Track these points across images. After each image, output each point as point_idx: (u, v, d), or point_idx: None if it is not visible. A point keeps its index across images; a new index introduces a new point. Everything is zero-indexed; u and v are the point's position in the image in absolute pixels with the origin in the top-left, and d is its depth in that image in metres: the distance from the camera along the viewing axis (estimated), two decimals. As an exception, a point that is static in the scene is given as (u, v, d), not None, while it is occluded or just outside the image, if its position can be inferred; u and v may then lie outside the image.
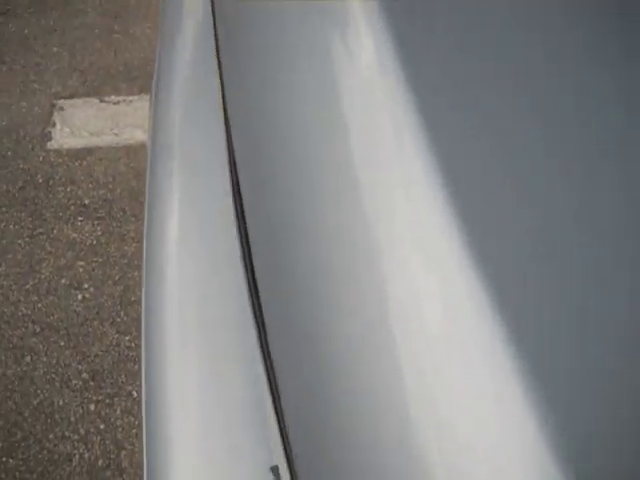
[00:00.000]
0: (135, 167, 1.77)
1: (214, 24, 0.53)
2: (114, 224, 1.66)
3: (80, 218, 1.67)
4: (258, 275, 0.42)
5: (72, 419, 1.39)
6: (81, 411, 1.40)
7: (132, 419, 1.39)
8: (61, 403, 1.39)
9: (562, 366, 0.27)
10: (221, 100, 0.50)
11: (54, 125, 1.84)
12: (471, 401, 0.29)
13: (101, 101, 1.89)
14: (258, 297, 0.42)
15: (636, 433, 0.26)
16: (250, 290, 0.43)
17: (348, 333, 0.35)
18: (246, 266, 0.43)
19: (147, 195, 0.88)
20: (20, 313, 1.52)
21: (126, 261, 1.60)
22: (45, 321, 1.51)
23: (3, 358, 1.45)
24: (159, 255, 0.79)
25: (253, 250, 0.43)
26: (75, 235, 1.64)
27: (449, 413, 0.30)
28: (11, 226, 1.66)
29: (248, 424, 0.61)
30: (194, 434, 0.65)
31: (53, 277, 1.57)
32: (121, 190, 1.73)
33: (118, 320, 1.52)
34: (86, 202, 1.70)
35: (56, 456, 1.34)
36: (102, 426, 1.38)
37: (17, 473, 1.31)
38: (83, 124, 1.82)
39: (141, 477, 0.63)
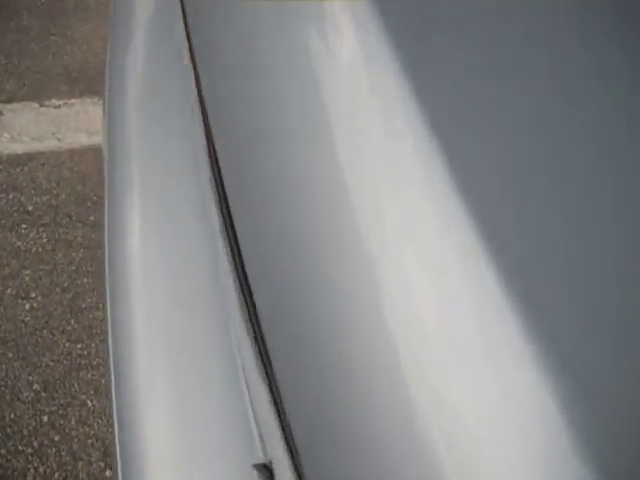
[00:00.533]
0: (80, 171, 1.73)
1: (185, 23, 0.53)
2: (60, 230, 1.62)
3: (24, 225, 1.62)
4: (251, 272, 0.42)
5: (25, 432, 1.34)
6: (34, 423, 1.35)
7: (87, 429, 1.36)
8: (13, 416, 1.35)
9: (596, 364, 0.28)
10: (196, 93, 0.50)
11: (-8, 131, 1.78)
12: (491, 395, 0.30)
13: (41, 105, 1.84)
14: (252, 297, 0.42)
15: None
16: (242, 289, 0.43)
17: (349, 325, 0.36)
18: (235, 261, 0.43)
19: (107, 200, 0.86)
20: (-36, 326, 1.46)
21: (74, 268, 1.56)
22: (-9, 333, 1.46)
23: (-52, 373, 1.39)
24: (122, 260, 0.77)
25: (244, 248, 0.43)
26: (19, 243, 1.59)
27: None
28: (-50, 236, 1.60)
29: (230, 423, 0.61)
30: (169, 434, 0.64)
31: (-2, 287, 1.52)
32: (66, 195, 1.68)
33: (69, 328, 1.48)
34: (30, 209, 1.65)
35: (10, 472, 1.29)
36: (57, 438, 1.34)
37: (-32, 491, 1.27)
38: (23, 129, 1.76)
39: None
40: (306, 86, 0.39)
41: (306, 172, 0.38)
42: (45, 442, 1.34)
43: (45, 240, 1.60)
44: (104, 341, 0.77)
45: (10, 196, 1.66)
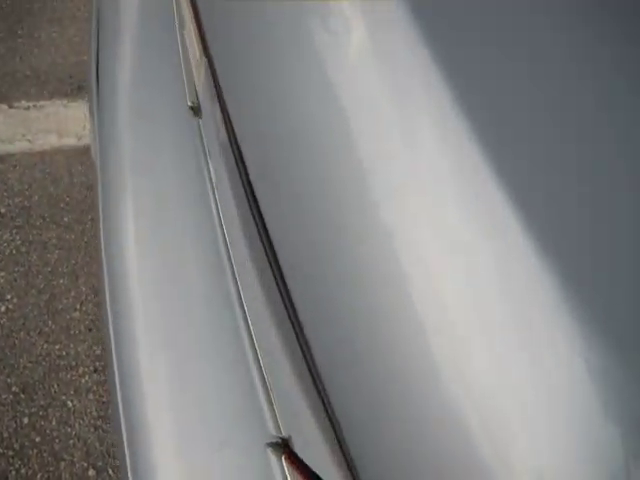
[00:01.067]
0: (52, 173, 1.72)
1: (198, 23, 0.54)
2: (34, 232, 1.61)
3: (-3, 227, 1.60)
4: (284, 259, 0.44)
5: (5, 434, 1.33)
6: (14, 425, 1.35)
7: (69, 429, 1.35)
8: (-8, 418, 1.34)
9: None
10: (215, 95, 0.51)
11: (-41, 133, 1.76)
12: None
13: (10, 107, 1.82)
14: (287, 291, 0.44)
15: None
16: (275, 277, 0.45)
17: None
18: (263, 244, 0.45)
19: (100, 201, 0.86)
20: (-62, 329, 1.44)
21: (50, 269, 1.56)
22: (-33, 336, 1.44)
23: None
24: (120, 266, 0.77)
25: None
26: (-7, 245, 1.58)
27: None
28: None
29: (237, 406, 0.63)
30: (175, 422, 0.66)
31: (-28, 290, 1.51)
32: (39, 197, 1.67)
33: (46, 330, 1.48)
34: (2, 211, 1.63)
35: (-10, 474, 1.28)
36: (38, 439, 1.34)
37: (-51, 495, 1.25)
38: (-7, 131, 1.75)
39: None
40: (335, 85, 0.42)
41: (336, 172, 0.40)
42: (26, 443, 1.33)
43: (19, 242, 1.59)
44: (105, 336, 0.78)
45: (-19, 198, 1.64)
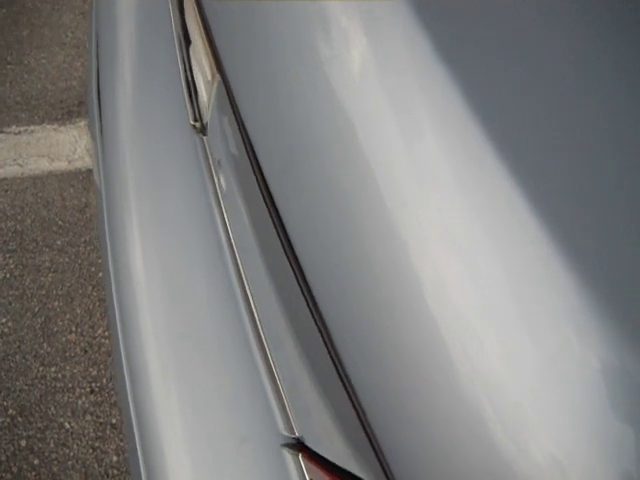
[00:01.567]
0: (44, 197, 1.73)
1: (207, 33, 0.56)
2: (27, 255, 1.62)
3: (-10, 252, 1.61)
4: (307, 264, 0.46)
5: (3, 458, 1.33)
6: (12, 448, 1.34)
7: (67, 451, 1.35)
8: (-10, 442, 1.33)
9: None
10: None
11: (-50, 159, 1.77)
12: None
13: (1, 132, 1.84)
14: (314, 301, 0.46)
15: None
16: (296, 277, 0.47)
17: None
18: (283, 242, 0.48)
19: (106, 223, 0.87)
20: None
21: (44, 292, 1.56)
22: (-38, 360, 1.44)
23: None
24: (129, 286, 0.78)
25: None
26: (-14, 269, 1.58)
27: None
28: None
29: (251, 408, 0.65)
30: (190, 425, 0.67)
31: (-34, 314, 1.51)
32: (31, 221, 1.68)
33: (41, 352, 1.48)
34: (-5, 235, 1.64)
35: (-11, 497, 1.28)
36: (36, 461, 1.34)
37: (-53, 520, 1.24)
38: (-15, 156, 1.76)
39: None
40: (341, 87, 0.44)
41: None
42: (24, 466, 1.33)
43: (13, 266, 1.60)
44: (114, 341, 0.79)
45: (-26, 223, 1.65)
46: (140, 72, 0.97)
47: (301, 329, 0.51)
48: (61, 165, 1.81)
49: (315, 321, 0.46)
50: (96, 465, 1.34)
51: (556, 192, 0.35)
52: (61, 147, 1.84)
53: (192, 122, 0.81)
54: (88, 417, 1.40)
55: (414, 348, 0.39)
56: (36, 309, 1.54)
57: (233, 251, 0.70)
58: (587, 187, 0.35)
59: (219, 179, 0.66)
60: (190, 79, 0.81)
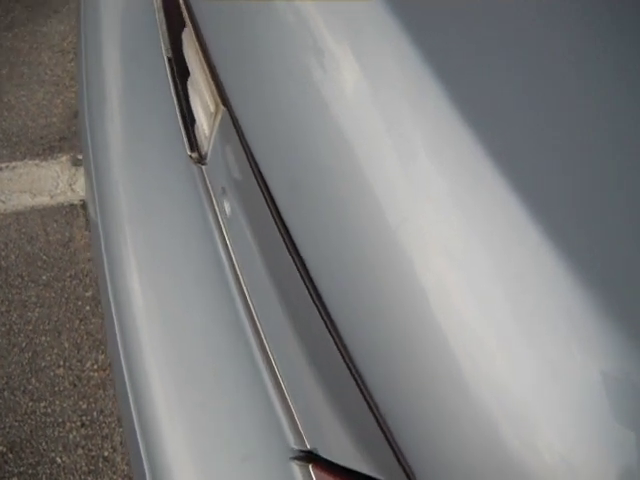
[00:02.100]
0: (27, 232, 1.73)
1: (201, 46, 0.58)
2: (13, 291, 1.62)
3: (-25, 288, 1.60)
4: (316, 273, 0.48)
5: (-6, 495, 1.32)
6: (3, 485, 1.33)
7: (59, 486, 1.35)
8: (-19, 480, 1.32)
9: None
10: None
11: None
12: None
13: (-18, 169, 1.85)
14: (325, 307, 0.48)
15: None
16: (308, 291, 0.49)
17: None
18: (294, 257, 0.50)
19: (105, 258, 0.88)
20: None
21: (31, 327, 1.56)
22: (-51, 398, 1.43)
23: None
24: (130, 318, 0.78)
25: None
26: (-28, 306, 1.57)
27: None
28: None
29: (258, 422, 0.66)
30: (196, 440, 0.68)
31: (-48, 352, 1.50)
32: (15, 256, 1.68)
33: (30, 387, 1.47)
34: (-20, 272, 1.64)
35: (-18, 536, 1.26)
36: (28, 498, 1.33)
37: None
38: (-33, 193, 1.76)
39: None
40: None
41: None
42: (16, 503, 1.32)
43: (-2, 302, 1.60)
44: (115, 365, 0.81)
45: (-42, 260, 1.65)
46: (131, 106, 0.99)
47: (313, 343, 0.54)
48: (43, 200, 1.81)
49: (330, 333, 0.49)
50: (89, 499, 1.34)
51: (554, 199, 0.38)
52: (43, 182, 1.85)
53: (189, 153, 0.83)
54: (80, 451, 1.39)
55: (424, 353, 0.41)
56: (23, 344, 1.54)
57: (236, 273, 0.73)
58: (586, 194, 0.38)
59: (222, 206, 0.69)
60: (186, 111, 0.84)
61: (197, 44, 0.65)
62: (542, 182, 0.39)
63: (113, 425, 1.42)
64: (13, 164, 1.87)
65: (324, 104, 0.47)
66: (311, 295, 0.50)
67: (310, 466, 0.58)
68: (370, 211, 0.44)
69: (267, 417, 0.65)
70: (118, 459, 1.38)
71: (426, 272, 0.41)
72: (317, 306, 0.49)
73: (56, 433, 1.42)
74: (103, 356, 1.52)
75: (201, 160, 0.81)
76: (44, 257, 1.69)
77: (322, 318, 0.49)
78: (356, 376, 0.47)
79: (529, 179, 0.39)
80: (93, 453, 1.39)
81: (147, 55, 1.01)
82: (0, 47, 2.16)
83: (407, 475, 0.43)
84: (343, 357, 0.47)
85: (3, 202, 1.79)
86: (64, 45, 2.18)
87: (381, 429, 0.45)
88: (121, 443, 1.40)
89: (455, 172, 0.41)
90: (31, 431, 1.41)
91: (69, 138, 1.94)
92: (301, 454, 0.62)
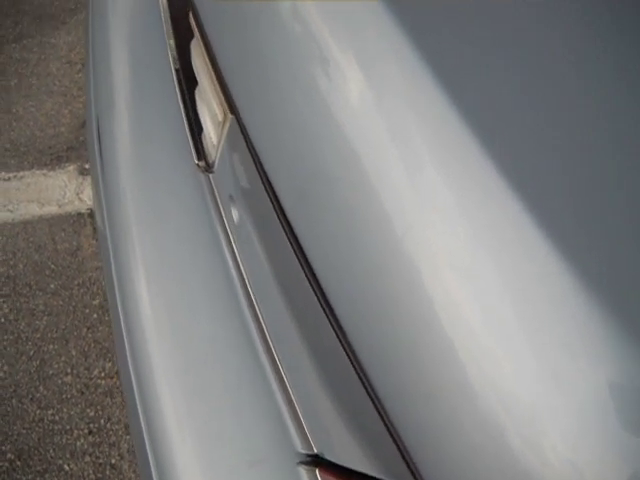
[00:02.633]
0: (34, 241, 1.75)
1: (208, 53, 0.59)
2: (21, 300, 1.63)
3: (-16, 297, 1.62)
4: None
5: (2, 502, 1.32)
6: (12, 493, 1.34)
7: (67, 493, 1.35)
8: (-10, 487, 1.33)
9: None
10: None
11: (-59, 207, 1.79)
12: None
13: (-10, 179, 1.86)
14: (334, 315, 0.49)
15: None
16: (317, 297, 0.50)
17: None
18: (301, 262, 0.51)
19: (114, 267, 0.88)
20: None
21: (39, 335, 1.57)
22: (-42, 406, 1.44)
23: None
24: (139, 328, 0.79)
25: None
26: (-20, 315, 1.59)
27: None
28: None
29: (266, 427, 0.67)
30: (203, 445, 0.69)
31: (-39, 360, 1.51)
32: (23, 265, 1.70)
33: (38, 395, 1.48)
34: (-12, 280, 1.65)
35: None
36: (36, 505, 1.33)
37: None
38: (-24, 202, 1.78)
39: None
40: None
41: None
42: (24, 511, 1.32)
43: (7, 310, 1.61)
44: (123, 371, 0.81)
45: (-33, 269, 1.66)
46: (138, 115, 1.00)
47: (321, 349, 0.55)
48: (51, 209, 1.83)
49: (338, 339, 0.49)
50: (97, 506, 1.34)
51: (559, 207, 0.39)
52: (51, 192, 1.87)
53: (197, 161, 0.84)
54: (87, 458, 1.40)
55: (431, 360, 0.42)
56: (31, 352, 1.55)
57: (243, 281, 0.73)
58: (592, 201, 0.39)
59: (229, 214, 0.70)
60: (193, 119, 0.85)
61: (205, 54, 0.66)
62: (548, 190, 0.39)
63: (120, 433, 1.43)
64: (21, 174, 1.89)
65: (330, 113, 0.48)
66: (319, 302, 0.50)
67: (317, 470, 0.59)
68: (377, 219, 0.45)
69: (275, 423, 0.66)
70: (125, 466, 1.39)
71: (433, 281, 0.42)
72: (325, 313, 0.50)
73: (64, 440, 1.42)
74: (110, 364, 1.53)
75: (208, 169, 0.82)
76: (52, 266, 1.71)
77: (330, 325, 0.49)
78: (365, 382, 0.47)
79: (535, 188, 0.40)
80: (100, 461, 1.40)
81: (155, 65, 1.02)
82: (9, 58, 2.19)
83: (414, 478, 0.44)
84: (352, 363, 0.48)
85: (11, 211, 1.80)
86: (72, 56, 2.20)
87: (389, 434, 0.46)
88: (128, 451, 1.41)
89: (460, 182, 0.42)
90: (39, 439, 1.42)
91: (77, 148, 1.95)
92: (308, 458, 0.62)
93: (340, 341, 0.49)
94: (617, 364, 0.36)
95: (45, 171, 1.91)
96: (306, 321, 0.55)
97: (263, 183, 0.55)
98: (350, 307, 0.48)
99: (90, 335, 1.58)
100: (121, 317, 0.84)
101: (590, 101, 0.42)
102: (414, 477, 0.44)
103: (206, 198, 0.84)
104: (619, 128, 0.41)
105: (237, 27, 0.58)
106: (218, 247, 0.79)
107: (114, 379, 1.51)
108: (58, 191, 1.87)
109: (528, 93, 0.43)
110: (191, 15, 0.73)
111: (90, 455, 1.40)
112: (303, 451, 0.63)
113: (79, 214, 1.82)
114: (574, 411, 0.37)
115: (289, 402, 0.65)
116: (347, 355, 0.49)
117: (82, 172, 1.91)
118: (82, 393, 1.49)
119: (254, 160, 0.56)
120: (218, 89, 0.62)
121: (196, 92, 0.76)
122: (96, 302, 1.63)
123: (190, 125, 0.87)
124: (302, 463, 0.62)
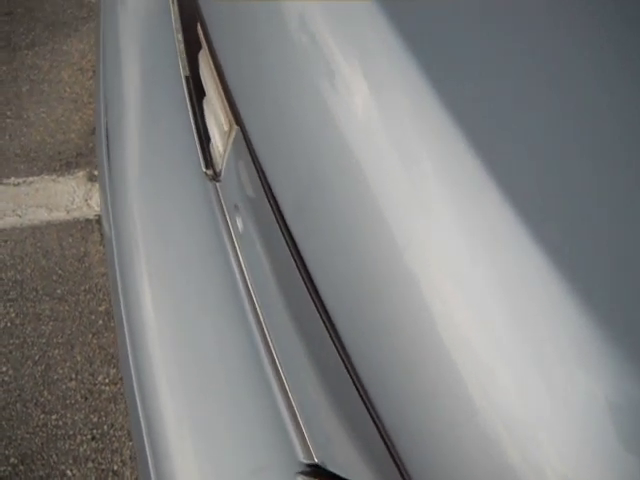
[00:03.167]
0: (42, 246, 1.76)
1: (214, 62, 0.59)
2: (28, 304, 1.64)
3: (-9, 301, 1.63)
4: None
5: (4, 507, 1.33)
6: (14, 497, 1.34)
7: (69, 499, 1.35)
8: (-8, 491, 1.33)
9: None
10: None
11: (-50, 211, 1.80)
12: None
13: (0, 183, 1.88)
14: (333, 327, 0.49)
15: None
16: (316, 308, 0.50)
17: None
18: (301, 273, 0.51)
19: (119, 273, 0.88)
20: None
21: (44, 340, 1.58)
22: (-37, 409, 1.44)
23: None
24: (142, 336, 0.79)
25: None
26: (-13, 319, 1.60)
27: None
28: None
29: (266, 436, 0.67)
30: (204, 453, 0.69)
31: (-33, 363, 1.52)
32: (31, 270, 1.71)
33: (42, 400, 1.49)
34: (-5, 285, 1.66)
35: None
36: (38, 510, 1.33)
37: None
38: (-16, 207, 1.79)
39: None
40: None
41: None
42: (26, 515, 1.32)
43: (13, 314, 1.61)
44: (126, 378, 0.82)
45: (-25, 273, 1.67)
46: (147, 123, 1.01)
47: (322, 360, 0.55)
48: (60, 215, 1.84)
49: (339, 351, 0.49)
50: (98, 512, 1.34)
51: (559, 221, 0.39)
52: (59, 197, 1.88)
53: (204, 169, 0.85)
54: (90, 464, 1.40)
55: (430, 375, 0.42)
56: (36, 357, 1.55)
57: (248, 289, 0.74)
58: (593, 215, 0.39)
59: (235, 222, 0.70)
60: (202, 128, 0.86)
61: (212, 65, 0.67)
62: (546, 204, 0.40)
63: (123, 439, 1.43)
64: (30, 179, 1.90)
65: (333, 126, 0.49)
66: (320, 313, 0.50)
67: (316, 480, 0.59)
68: (378, 232, 0.45)
69: (277, 431, 0.66)
70: (127, 473, 1.39)
71: (433, 295, 0.42)
72: (326, 324, 0.50)
73: (67, 446, 1.42)
74: (115, 370, 1.53)
75: (216, 177, 0.82)
76: (59, 271, 1.71)
77: (331, 337, 0.50)
78: (364, 397, 0.48)
79: (533, 201, 0.40)
80: (103, 466, 1.40)
81: (165, 74, 1.03)
82: (22, 65, 2.21)
83: (413, 490, 0.44)
84: (352, 376, 0.48)
85: (20, 216, 1.81)
86: (83, 63, 2.22)
87: (388, 448, 0.46)
88: (131, 457, 1.41)
89: (460, 192, 0.42)
90: (42, 443, 1.42)
91: (86, 154, 1.97)
92: (309, 468, 0.62)
93: (339, 352, 0.49)
94: (617, 381, 0.36)
95: (54, 177, 1.92)
96: (307, 331, 0.55)
97: (266, 193, 0.55)
98: (350, 319, 0.48)
99: (95, 341, 1.58)
100: (125, 323, 0.84)
101: (591, 105, 0.43)
102: (413, 490, 0.44)
103: (213, 206, 0.84)
104: (620, 132, 0.41)
105: (242, 40, 0.59)
106: (224, 255, 0.79)
107: (118, 385, 1.51)
108: (67, 197, 1.88)
109: (527, 96, 0.43)
110: (199, 26, 0.74)
111: (93, 461, 1.41)
112: (305, 460, 0.63)
113: (87, 220, 1.83)
114: (574, 429, 0.36)
115: (292, 412, 0.65)
116: (346, 367, 0.49)
117: (91, 178, 1.92)
118: (86, 399, 1.49)
119: (257, 170, 0.56)
120: (224, 100, 0.63)
121: (204, 102, 0.77)
122: (102, 308, 1.64)
123: (199, 133, 0.88)
124: (302, 473, 0.62)
